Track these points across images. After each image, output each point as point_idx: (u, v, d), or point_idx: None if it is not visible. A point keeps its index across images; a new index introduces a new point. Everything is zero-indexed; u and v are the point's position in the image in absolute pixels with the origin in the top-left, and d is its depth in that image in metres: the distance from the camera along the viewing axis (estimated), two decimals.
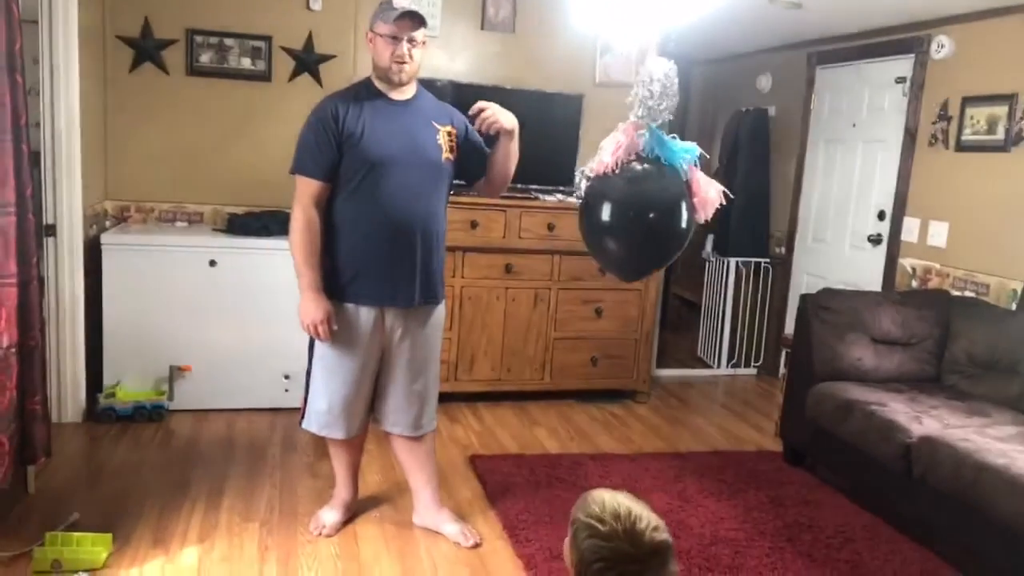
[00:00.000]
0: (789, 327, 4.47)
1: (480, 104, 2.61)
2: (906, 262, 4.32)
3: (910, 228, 4.32)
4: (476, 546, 2.81)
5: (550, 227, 4.25)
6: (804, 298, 3.73)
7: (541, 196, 4.34)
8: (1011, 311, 3.55)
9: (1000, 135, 3.76)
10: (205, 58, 4.20)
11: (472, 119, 2.62)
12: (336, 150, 2.52)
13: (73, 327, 3.63)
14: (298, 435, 3.66)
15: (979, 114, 3.88)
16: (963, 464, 2.71)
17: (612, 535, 1.39)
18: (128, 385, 3.80)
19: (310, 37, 4.30)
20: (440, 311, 2.80)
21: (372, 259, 2.58)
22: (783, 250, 5.37)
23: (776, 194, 5.45)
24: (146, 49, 4.11)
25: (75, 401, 3.69)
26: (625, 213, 2.18)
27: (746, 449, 3.96)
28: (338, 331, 2.61)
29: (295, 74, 4.31)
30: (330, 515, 2.88)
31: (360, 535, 2.86)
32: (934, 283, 4.10)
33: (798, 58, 5.20)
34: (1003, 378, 3.33)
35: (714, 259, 5.58)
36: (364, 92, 2.61)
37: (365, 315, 2.62)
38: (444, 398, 3.01)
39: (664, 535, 1.41)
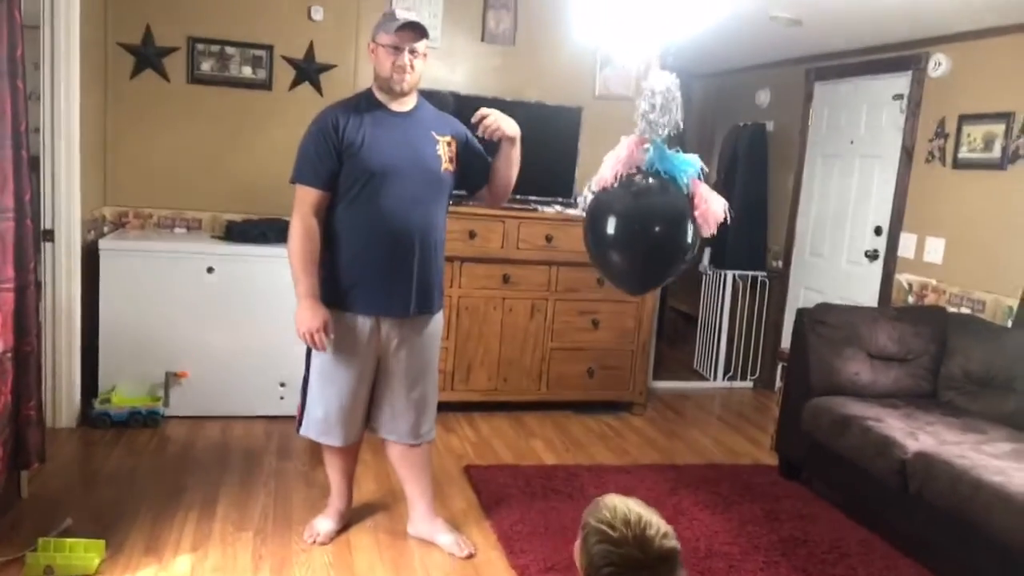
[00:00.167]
0: (785, 341, 4.47)
1: (482, 111, 2.62)
2: (902, 278, 4.33)
3: (907, 244, 4.33)
4: (470, 557, 2.81)
5: (548, 238, 4.26)
6: (801, 312, 3.74)
7: (540, 207, 4.36)
8: (1007, 328, 3.56)
9: (996, 153, 3.78)
10: (206, 66, 4.21)
11: (474, 127, 2.63)
12: (336, 160, 2.53)
13: (69, 332, 3.62)
14: (293, 443, 3.66)
15: (976, 132, 3.90)
16: (959, 480, 2.71)
17: (622, 541, 1.40)
18: (124, 391, 3.80)
19: (311, 47, 4.31)
20: (438, 320, 2.80)
21: (369, 268, 2.59)
22: (780, 264, 5.38)
23: (774, 208, 5.46)
24: (147, 56, 4.12)
25: (70, 406, 3.67)
26: (629, 226, 2.18)
27: (742, 462, 3.96)
28: (335, 339, 2.61)
29: (296, 83, 4.33)
30: (324, 524, 2.87)
31: (354, 544, 2.85)
32: (930, 299, 4.11)
33: (796, 74, 5.23)
34: (999, 395, 3.34)
35: (711, 272, 5.59)
36: (365, 103, 2.62)
37: (361, 323, 2.63)
38: (440, 407, 3.00)
39: (673, 542, 1.43)
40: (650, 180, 2.17)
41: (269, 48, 4.27)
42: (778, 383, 4.58)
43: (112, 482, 3.17)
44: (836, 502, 3.46)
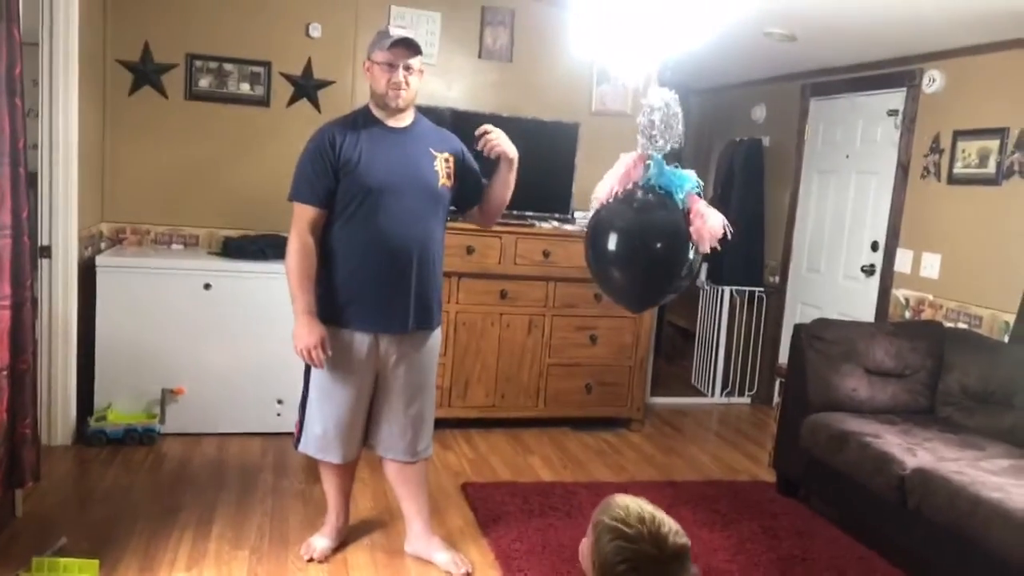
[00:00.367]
0: (783, 356, 4.47)
1: (486, 127, 2.63)
2: (899, 293, 4.34)
3: (903, 259, 4.34)
4: (468, 575, 2.79)
5: (545, 254, 4.26)
6: (798, 328, 3.74)
7: (537, 223, 4.36)
8: (1004, 343, 3.57)
9: (991, 168, 3.80)
10: (204, 82, 4.23)
11: (475, 140, 2.64)
12: (333, 177, 2.54)
13: (65, 349, 3.61)
14: (290, 461, 3.64)
15: (970, 147, 3.92)
16: (957, 497, 2.70)
17: (638, 537, 1.40)
18: (119, 408, 3.78)
19: (309, 63, 4.33)
20: (436, 336, 2.80)
21: (367, 284, 2.59)
22: (777, 279, 5.39)
23: (770, 224, 5.48)
24: (145, 73, 4.13)
25: (65, 423, 3.66)
26: (629, 243, 2.18)
27: (740, 479, 3.95)
28: (333, 356, 2.60)
29: (294, 99, 4.34)
30: (321, 541, 2.85)
31: (351, 562, 2.83)
32: (927, 314, 4.11)
33: (792, 89, 5.26)
34: (996, 411, 3.33)
35: (708, 287, 5.60)
36: (362, 119, 2.63)
37: (360, 340, 2.62)
38: (437, 424, 3.00)
39: (685, 539, 1.43)
40: (649, 196, 2.17)
41: (267, 64, 4.28)
42: (776, 399, 4.57)
43: (107, 500, 3.15)
44: (834, 519, 3.45)
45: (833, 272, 4.94)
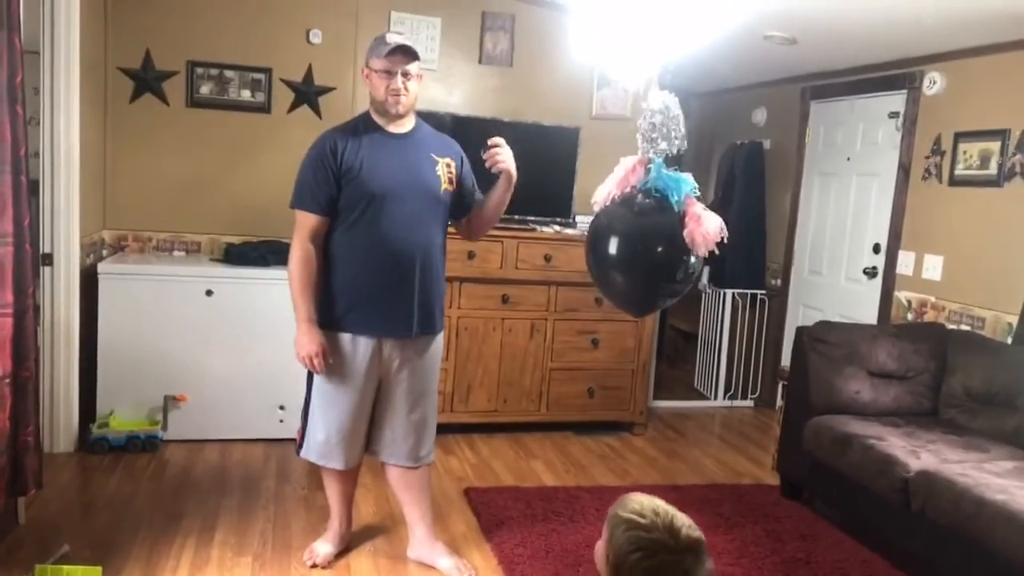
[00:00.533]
0: (786, 359, 4.46)
1: (497, 140, 2.62)
2: (902, 295, 4.33)
3: (905, 261, 4.34)
4: None
5: (547, 258, 4.26)
6: (800, 331, 3.73)
7: (538, 227, 4.36)
8: (1007, 345, 3.56)
9: (993, 170, 3.79)
10: (205, 89, 4.24)
11: (483, 148, 2.62)
12: (334, 184, 2.54)
13: (68, 356, 3.61)
14: (292, 467, 3.64)
15: (972, 149, 3.92)
16: (961, 499, 2.69)
17: (652, 527, 1.41)
18: (122, 415, 3.78)
19: (310, 70, 4.34)
20: (438, 341, 2.80)
21: (371, 290, 2.59)
22: (779, 282, 5.38)
23: (772, 226, 5.47)
24: (147, 80, 4.14)
25: (68, 431, 3.66)
26: (627, 247, 2.17)
27: (743, 482, 3.94)
28: (336, 362, 2.61)
29: (294, 106, 4.35)
30: (324, 547, 2.85)
31: (354, 568, 2.83)
32: (930, 316, 4.11)
33: (792, 92, 5.26)
34: (1000, 413, 3.33)
35: (710, 290, 5.59)
36: (363, 126, 2.63)
37: (363, 346, 2.62)
38: (439, 429, 2.99)
39: (699, 533, 1.44)
40: (647, 200, 2.16)
41: (268, 71, 4.29)
42: (779, 402, 4.56)
43: (110, 508, 3.15)
44: (838, 522, 3.44)
45: (835, 274, 4.94)
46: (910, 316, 4.24)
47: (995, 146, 3.78)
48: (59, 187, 3.49)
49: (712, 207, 5.95)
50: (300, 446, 2.76)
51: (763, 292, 5.43)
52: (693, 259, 2.15)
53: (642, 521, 1.42)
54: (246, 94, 4.29)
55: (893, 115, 4.47)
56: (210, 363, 3.85)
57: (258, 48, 4.27)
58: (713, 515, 3.42)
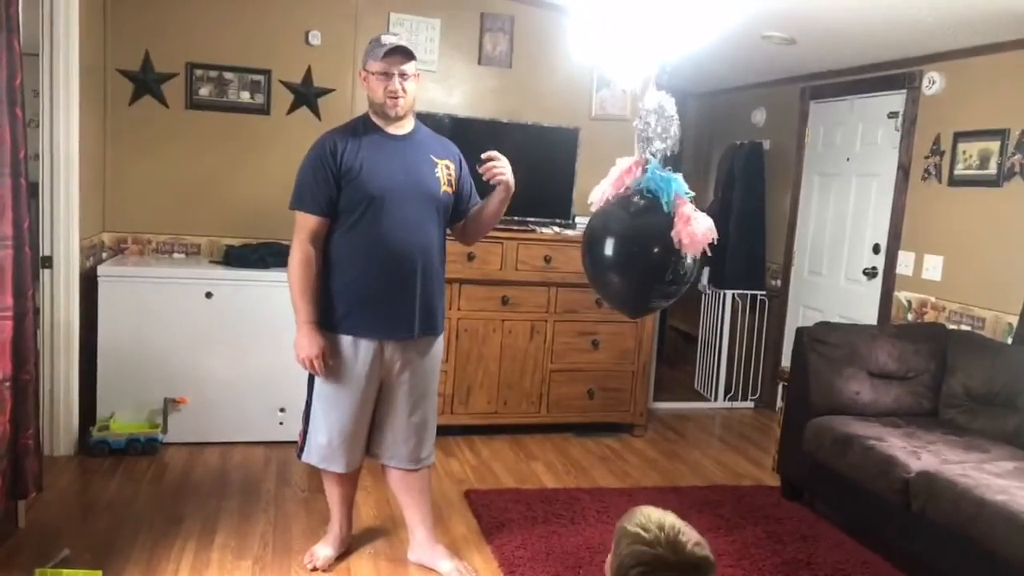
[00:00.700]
0: (786, 360, 4.46)
1: (494, 153, 2.62)
2: (902, 295, 4.33)
3: (905, 262, 4.33)
4: None
5: (547, 259, 4.26)
6: (800, 331, 3.73)
7: (538, 228, 4.36)
8: (1007, 345, 3.55)
9: (992, 170, 3.79)
10: (204, 91, 4.23)
11: (480, 161, 2.62)
12: (334, 186, 2.54)
13: (67, 359, 3.61)
14: (293, 469, 3.64)
15: (971, 149, 3.92)
16: (962, 499, 2.69)
17: (655, 542, 1.39)
18: (122, 418, 3.78)
19: (309, 71, 4.34)
20: (439, 343, 2.80)
21: (372, 292, 2.58)
22: (779, 283, 5.38)
23: (771, 227, 5.47)
24: (146, 82, 4.14)
25: (68, 434, 3.65)
26: (622, 247, 2.17)
27: (744, 484, 3.94)
28: (337, 364, 2.60)
29: (294, 107, 4.35)
30: (324, 550, 2.85)
31: (354, 571, 2.83)
32: (930, 316, 4.11)
33: (792, 92, 5.26)
34: (1000, 413, 3.32)
35: (710, 291, 5.59)
36: (362, 127, 2.63)
37: (364, 348, 2.62)
38: (440, 431, 2.99)
39: (706, 552, 1.41)
40: (640, 200, 2.16)
41: (267, 73, 4.29)
42: (779, 403, 4.56)
43: (110, 511, 3.14)
44: (838, 523, 3.44)
45: (835, 275, 4.94)
46: (910, 316, 4.24)
47: (994, 146, 3.78)
48: (59, 190, 3.49)
49: (712, 207, 5.99)
50: (301, 449, 2.76)
51: (763, 293, 5.42)
52: (687, 260, 2.14)
53: (646, 536, 1.40)
54: (245, 96, 4.29)
55: (892, 115, 4.46)
56: (210, 365, 3.85)
57: (257, 50, 4.27)
58: (713, 516, 3.42)
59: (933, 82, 4.15)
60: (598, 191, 2.25)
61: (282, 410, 3.93)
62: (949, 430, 3.34)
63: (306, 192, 2.56)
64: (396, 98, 2.55)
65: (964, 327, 3.86)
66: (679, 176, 2.18)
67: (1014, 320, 3.58)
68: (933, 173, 4.15)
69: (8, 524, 2.83)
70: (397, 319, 2.61)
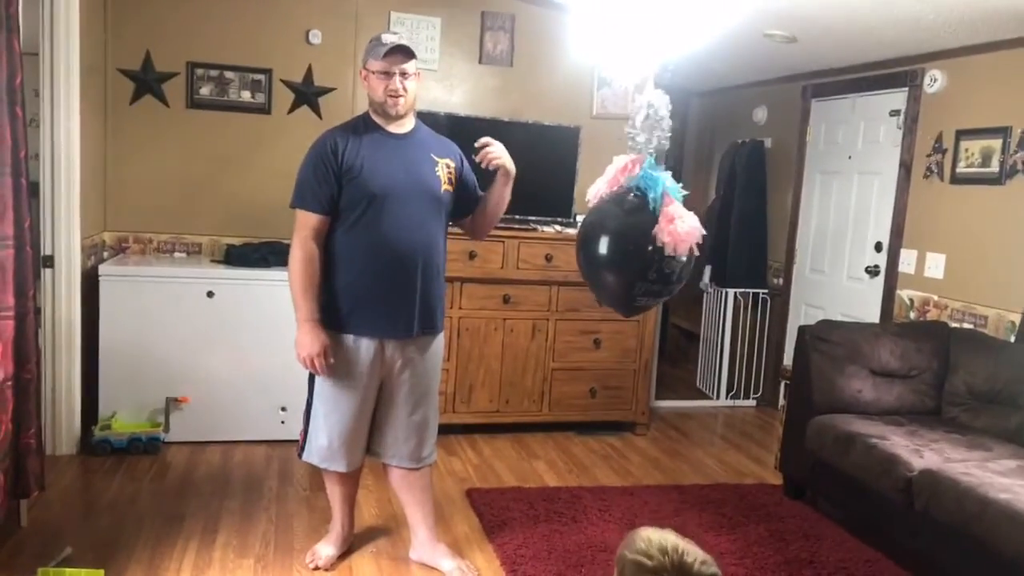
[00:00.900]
0: (788, 358, 4.46)
1: (487, 139, 2.63)
2: (904, 294, 4.32)
3: (907, 260, 4.33)
4: None
5: (548, 258, 4.25)
6: (802, 330, 3.72)
7: (539, 227, 4.36)
8: (1010, 343, 3.55)
9: (995, 168, 3.78)
10: (205, 91, 4.23)
11: (474, 151, 2.63)
12: (335, 184, 2.54)
13: (69, 358, 3.61)
14: (294, 468, 3.64)
15: (973, 147, 3.91)
16: (965, 498, 2.69)
17: (660, 569, 1.35)
18: (124, 417, 3.78)
19: (309, 70, 4.34)
20: (439, 341, 2.80)
21: (372, 290, 2.58)
22: (781, 281, 5.37)
23: (773, 225, 5.46)
24: (147, 82, 4.14)
25: (70, 433, 3.66)
26: (613, 244, 2.17)
27: (746, 482, 3.93)
28: (338, 363, 2.60)
29: (294, 107, 4.35)
30: (326, 549, 2.85)
31: (356, 570, 2.83)
32: (932, 315, 4.10)
33: (793, 91, 5.25)
34: (1003, 411, 3.32)
35: (712, 290, 5.59)
36: (363, 126, 2.63)
37: (365, 346, 2.62)
38: (441, 430, 2.99)
39: (714, 569, 1.38)
40: (632, 198, 2.16)
41: (268, 72, 4.29)
42: (781, 401, 4.55)
43: (112, 510, 3.14)
44: (841, 521, 3.43)
45: (837, 273, 4.93)
46: (912, 315, 4.23)
47: (996, 144, 3.77)
48: (60, 189, 3.49)
49: (713, 206, 5.97)
50: (302, 449, 2.76)
51: (765, 291, 5.42)
52: (676, 260, 2.12)
53: (649, 563, 1.36)
54: (246, 95, 4.29)
55: (894, 113, 4.46)
56: (212, 364, 3.85)
57: (258, 49, 4.27)
58: (716, 515, 3.41)
59: (935, 80, 4.14)
60: (594, 188, 2.26)
61: (283, 409, 3.93)
62: (952, 428, 3.33)
63: (307, 190, 2.56)
64: (397, 97, 2.55)
65: (966, 325, 3.85)
66: (668, 175, 2.18)
67: (1016, 318, 3.58)
68: (935, 171, 4.14)
69: (10, 523, 2.83)
70: (397, 318, 2.61)
